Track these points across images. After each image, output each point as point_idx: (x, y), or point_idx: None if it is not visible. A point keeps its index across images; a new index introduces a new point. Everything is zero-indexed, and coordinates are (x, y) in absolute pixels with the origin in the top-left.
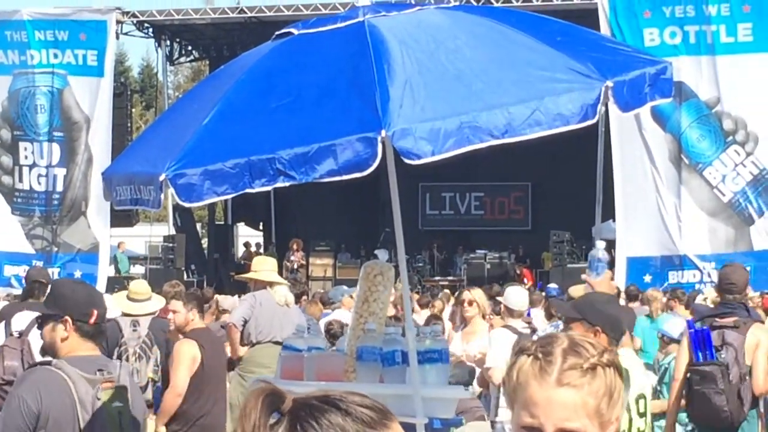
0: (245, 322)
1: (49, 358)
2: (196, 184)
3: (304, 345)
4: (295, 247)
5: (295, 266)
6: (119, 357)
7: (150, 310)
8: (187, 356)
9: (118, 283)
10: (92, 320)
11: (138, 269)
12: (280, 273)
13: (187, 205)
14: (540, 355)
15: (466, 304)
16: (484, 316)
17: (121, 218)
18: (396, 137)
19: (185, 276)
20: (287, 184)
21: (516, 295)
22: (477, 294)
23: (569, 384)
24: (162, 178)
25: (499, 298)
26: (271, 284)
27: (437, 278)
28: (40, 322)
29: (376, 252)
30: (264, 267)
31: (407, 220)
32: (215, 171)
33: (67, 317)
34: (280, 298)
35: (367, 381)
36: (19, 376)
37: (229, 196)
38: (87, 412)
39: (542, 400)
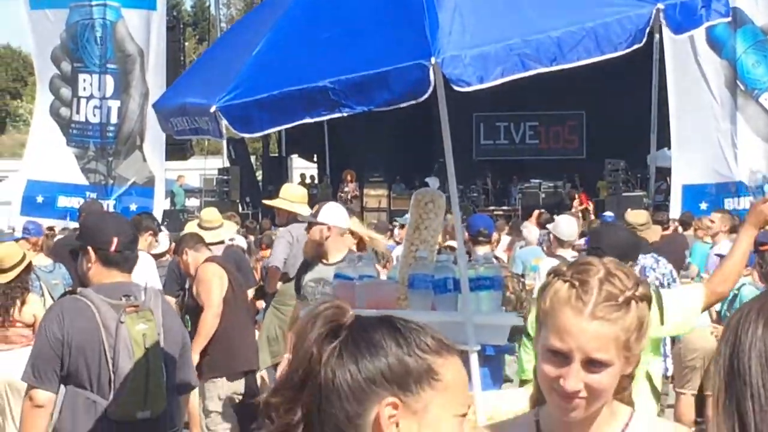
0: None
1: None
2: (248, 116)
3: (355, 273)
4: (348, 178)
5: (349, 197)
6: None
7: (222, 237)
8: (215, 276)
9: (174, 216)
10: (113, 248)
11: (193, 202)
12: (335, 202)
13: (245, 135)
14: (576, 284)
15: None
16: None
17: (175, 152)
18: (445, 64)
19: (240, 208)
20: (343, 114)
21: (565, 225)
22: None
23: (603, 318)
24: (213, 109)
25: (548, 227)
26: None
27: (491, 208)
28: (73, 256)
29: (426, 180)
30: (293, 197)
31: (461, 151)
32: (268, 102)
33: (89, 247)
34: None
35: (419, 308)
36: (48, 307)
37: (283, 127)
38: (111, 336)
39: (575, 329)
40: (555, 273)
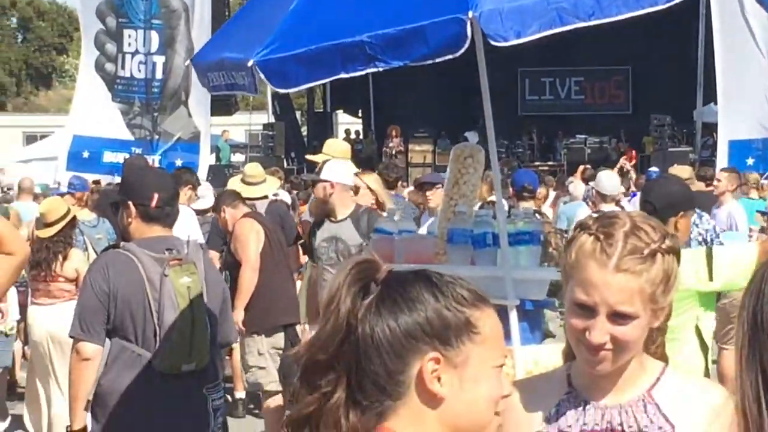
0: None
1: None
2: (285, 70)
3: (394, 228)
4: (393, 133)
5: (393, 152)
6: None
7: (265, 192)
8: (252, 232)
9: (219, 172)
10: (153, 204)
11: (238, 157)
12: (380, 159)
13: (281, 91)
14: (601, 237)
15: None
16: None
17: (220, 107)
18: (483, 18)
19: (285, 164)
20: (380, 69)
21: (607, 180)
22: None
23: (628, 270)
24: (250, 63)
25: (591, 183)
26: None
27: (537, 163)
28: (114, 209)
29: (465, 134)
30: (335, 152)
31: (507, 106)
32: (304, 56)
33: (129, 202)
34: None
35: (458, 263)
36: (91, 261)
37: (321, 82)
38: (155, 290)
39: (599, 282)
40: (580, 227)
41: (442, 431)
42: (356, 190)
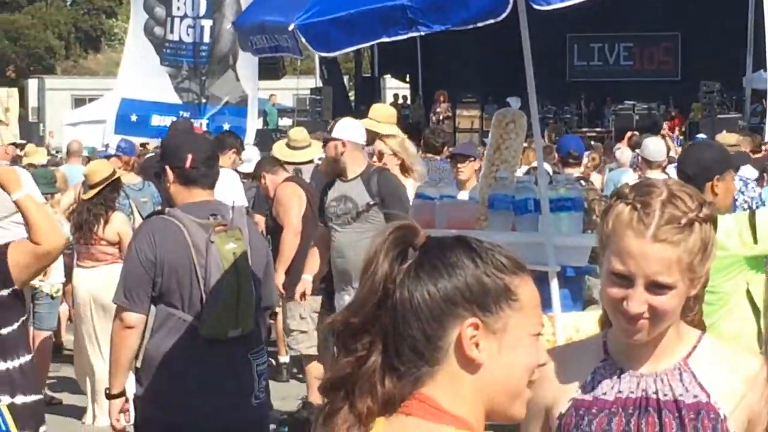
0: None
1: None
2: (326, 34)
3: (436, 193)
4: (441, 98)
5: (441, 118)
6: None
7: (310, 156)
8: (294, 196)
9: (266, 136)
10: (187, 165)
11: (286, 122)
12: (427, 125)
13: (323, 55)
14: (638, 206)
15: None
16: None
17: (268, 71)
18: None
19: None
20: (422, 33)
21: (653, 146)
22: None
23: (666, 240)
24: (291, 27)
25: (637, 150)
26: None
27: (584, 129)
28: (158, 177)
29: (508, 99)
30: (380, 117)
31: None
32: (345, 20)
33: (167, 166)
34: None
35: (499, 229)
36: (136, 228)
37: (363, 46)
38: (201, 256)
39: (637, 252)
40: (617, 195)
41: (477, 398)
42: (380, 155)
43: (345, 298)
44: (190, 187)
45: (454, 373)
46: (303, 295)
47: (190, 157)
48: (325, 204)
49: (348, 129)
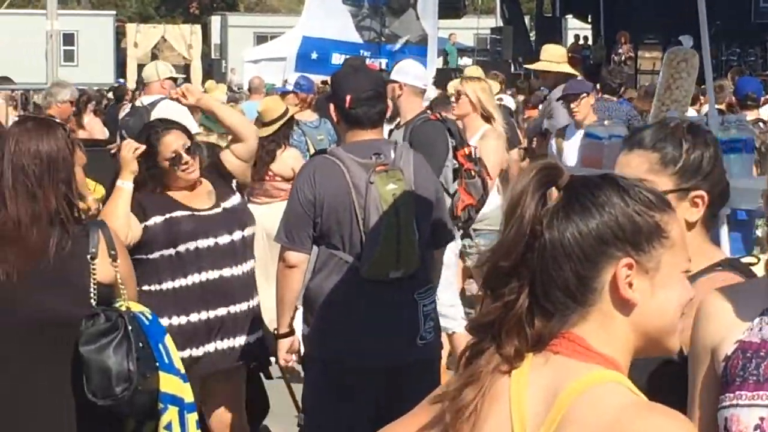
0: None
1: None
2: None
3: (605, 133)
4: (623, 39)
5: (623, 58)
6: None
7: None
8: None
9: (446, 75)
10: (347, 104)
11: (465, 61)
12: (608, 65)
13: None
14: None
15: None
16: None
17: (448, 10)
18: None
19: (512, 68)
20: None
21: None
22: None
23: None
24: None
25: None
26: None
27: None
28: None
29: (680, 38)
30: (555, 57)
31: (740, 13)
32: None
33: (331, 104)
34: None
35: None
36: (301, 166)
37: None
38: (361, 196)
39: None
40: None
41: (631, 337)
42: (457, 96)
43: None
44: (353, 127)
45: (607, 314)
46: None
47: (349, 97)
48: None
49: (407, 72)
